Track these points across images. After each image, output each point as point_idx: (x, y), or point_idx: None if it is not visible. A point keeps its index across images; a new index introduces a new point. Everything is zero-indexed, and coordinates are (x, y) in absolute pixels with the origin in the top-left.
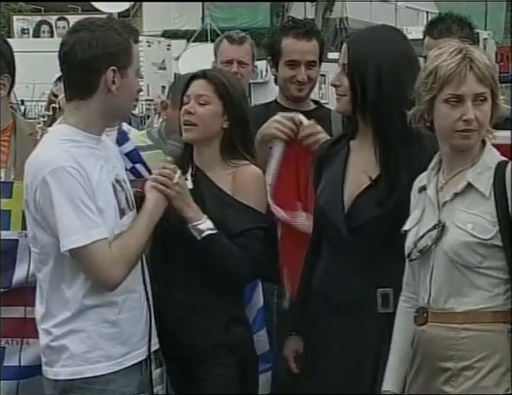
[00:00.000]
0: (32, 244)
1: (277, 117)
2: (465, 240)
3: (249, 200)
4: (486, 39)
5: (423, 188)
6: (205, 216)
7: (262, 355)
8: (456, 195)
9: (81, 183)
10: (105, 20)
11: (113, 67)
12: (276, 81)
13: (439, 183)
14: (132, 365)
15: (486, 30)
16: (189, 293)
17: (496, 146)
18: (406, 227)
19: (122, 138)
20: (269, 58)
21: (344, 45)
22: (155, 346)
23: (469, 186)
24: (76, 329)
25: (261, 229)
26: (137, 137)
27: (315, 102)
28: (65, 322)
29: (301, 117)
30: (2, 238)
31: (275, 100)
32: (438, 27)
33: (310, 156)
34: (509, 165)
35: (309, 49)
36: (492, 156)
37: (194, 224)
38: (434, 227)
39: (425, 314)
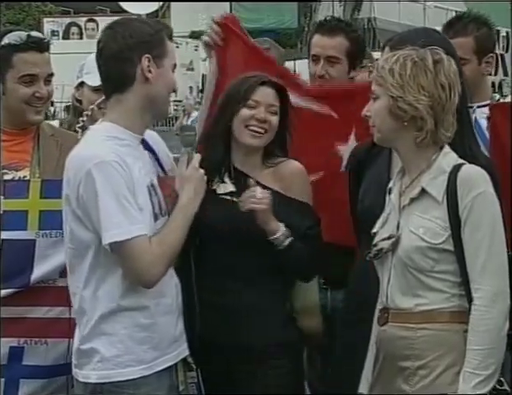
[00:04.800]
0: (68, 240)
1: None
2: (417, 245)
3: (298, 195)
4: None
5: (390, 191)
6: (282, 225)
7: None
8: (412, 200)
9: (125, 178)
10: (139, 18)
11: (147, 55)
12: None
13: (402, 187)
14: (163, 370)
15: None
16: (244, 292)
17: None
18: (374, 230)
19: None
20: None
21: (386, 48)
22: (184, 352)
23: (423, 191)
24: (107, 332)
25: (318, 224)
26: None
27: None
28: (96, 324)
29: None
30: (18, 238)
31: None
32: (454, 27)
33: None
34: (462, 169)
35: (331, 45)
36: (448, 160)
37: (277, 236)
38: (389, 237)
39: (386, 315)
